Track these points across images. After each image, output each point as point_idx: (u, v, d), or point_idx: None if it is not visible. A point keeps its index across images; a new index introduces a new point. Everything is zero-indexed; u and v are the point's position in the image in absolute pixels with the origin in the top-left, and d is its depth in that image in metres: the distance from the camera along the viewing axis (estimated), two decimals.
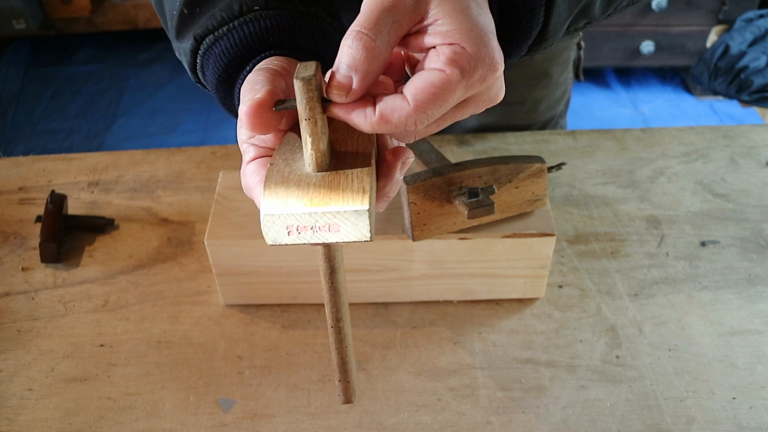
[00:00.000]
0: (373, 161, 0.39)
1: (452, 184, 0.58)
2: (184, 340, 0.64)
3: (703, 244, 0.73)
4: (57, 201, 0.73)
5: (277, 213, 0.36)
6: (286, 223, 0.36)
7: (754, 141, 0.85)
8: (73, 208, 0.77)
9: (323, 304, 0.67)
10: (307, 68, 0.36)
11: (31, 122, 2.25)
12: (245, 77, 0.45)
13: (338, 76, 0.36)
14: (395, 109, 0.36)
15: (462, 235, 0.61)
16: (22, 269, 0.71)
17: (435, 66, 0.36)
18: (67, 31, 2.45)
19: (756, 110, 2.26)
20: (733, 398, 0.59)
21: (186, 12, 0.47)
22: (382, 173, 0.40)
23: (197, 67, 0.48)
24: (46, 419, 0.58)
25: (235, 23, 0.45)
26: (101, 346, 0.64)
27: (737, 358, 0.62)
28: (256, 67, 0.41)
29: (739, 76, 2.14)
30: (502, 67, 0.38)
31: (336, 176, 0.38)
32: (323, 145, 0.37)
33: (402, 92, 0.36)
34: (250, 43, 0.45)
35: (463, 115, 0.41)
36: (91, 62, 2.53)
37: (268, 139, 0.41)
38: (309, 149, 0.38)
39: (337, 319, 0.41)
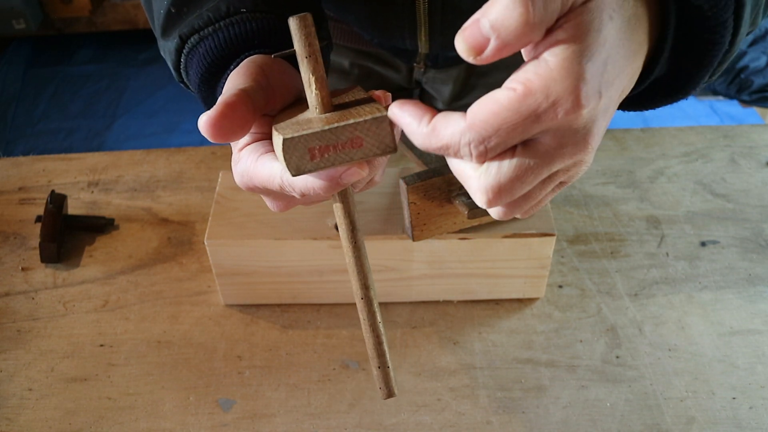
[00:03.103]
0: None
1: (452, 184, 0.58)
2: (184, 340, 0.64)
3: (703, 244, 0.73)
4: (57, 201, 0.73)
5: (297, 135, 0.35)
6: (307, 146, 0.35)
7: (754, 141, 0.85)
8: (73, 208, 0.77)
9: (323, 305, 0.67)
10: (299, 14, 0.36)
11: (31, 122, 2.25)
12: (227, 78, 0.45)
13: (474, 29, 0.30)
14: (449, 124, 0.32)
15: (462, 235, 0.61)
16: (22, 269, 0.71)
17: (508, 83, 0.31)
18: (67, 31, 2.45)
19: (756, 110, 2.26)
20: (733, 398, 0.59)
21: (173, 11, 0.48)
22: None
23: (181, 67, 0.48)
24: (46, 419, 0.58)
25: (221, 24, 0.45)
26: (101, 346, 0.64)
27: (737, 358, 0.62)
28: (236, 71, 0.41)
29: (739, 76, 2.14)
30: (589, 107, 0.31)
31: (345, 110, 0.37)
32: (327, 83, 0.36)
33: None
34: (235, 45, 0.45)
35: (548, 186, 0.36)
36: (91, 62, 2.53)
37: (258, 126, 0.41)
38: (314, 89, 0.36)
39: (366, 287, 0.38)
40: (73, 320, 0.66)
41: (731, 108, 2.29)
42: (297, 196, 0.39)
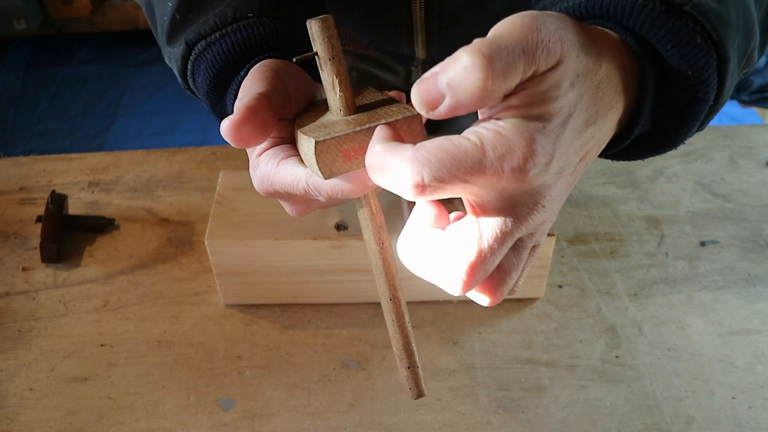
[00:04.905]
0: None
1: None
2: (184, 340, 0.64)
3: (702, 244, 0.73)
4: (57, 201, 0.73)
5: (329, 138, 0.34)
6: (340, 148, 0.34)
7: (754, 141, 0.85)
8: (74, 208, 0.77)
9: (323, 305, 0.67)
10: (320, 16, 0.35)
11: (32, 122, 2.25)
12: (238, 84, 0.44)
13: (431, 83, 0.30)
14: (401, 148, 0.30)
15: None
16: (23, 269, 0.71)
17: (467, 133, 0.30)
18: (68, 31, 2.45)
19: (755, 110, 2.26)
20: (733, 398, 0.59)
21: (178, 17, 0.47)
22: None
23: (187, 73, 0.47)
24: (46, 419, 0.58)
25: (228, 29, 0.44)
26: (101, 345, 0.64)
27: (737, 357, 0.62)
28: (250, 75, 0.41)
29: None
30: (535, 170, 0.30)
31: (371, 111, 0.36)
32: (350, 85, 0.36)
33: None
34: (243, 50, 0.44)
35: (522, 254, 0.34)
36: (91, 62, 2.53)
37: (276, 130, 0.40)
38: (338, 91, 0.36)
39: (395, 288, 0.37)
40: (74, 320, 0.66)
41: (730, 108, 2.29)
42: (323, 199, 0.38)
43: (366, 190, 0.37)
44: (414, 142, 0.34)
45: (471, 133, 0.30)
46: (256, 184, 0.41)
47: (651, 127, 0.39)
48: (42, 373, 0.62)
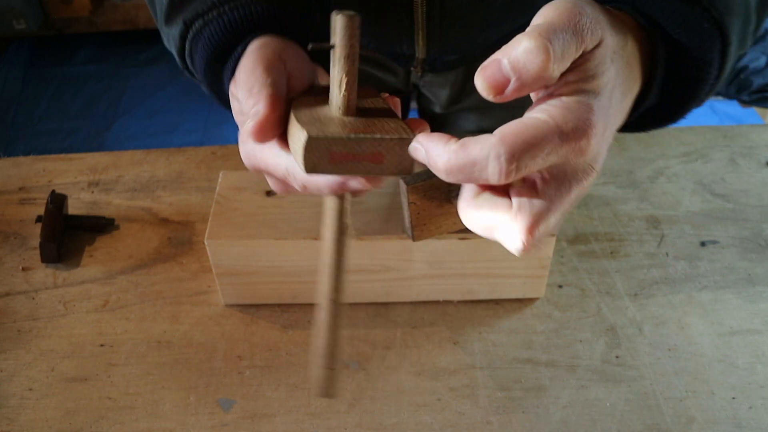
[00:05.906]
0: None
1: (452, 184, 0.58)
2: (184, 340, 0.64)
3: (702, 244, 0.73)
4: (57, 201, 0.73)
5: (322, 136, 0.34)
6: (329, 149, 0.34)
7: (754, 141, 0.85)
8: (74, 208, 0.77)
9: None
10: (347, 12, 0.35)
11: (32, 122, 2.25)
12: (234, 61, 0.45)
13: (495, 68, 0.32)
14: (479, 140, 0.32)
15: (462, 235, 0.61)
16: (23, 269, 0.71)
17: (534, 113, 0.33)
18: (67, 31, 2.45)
19: (756, 110, 2.26)
20: (733, 398, 0.59)
21: None
22: None
23: (186, 53, 0.48)
24: (46, 419, 0.58)
25: (226, 8, 0.45)
26: (101, 346, 0.64)
27: (737, 358, 0.62)
28: (252, 54, 0.41)
29: (738, 76, 2.14)
30: (596, 138, 0.33)
31: (368, 119, 0.36)
32: (356, 87, 0.36)
33: None
34: (240, 28, 0.45)
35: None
36: (91, 62, 2.53)
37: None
38: (342, 90, 0.36)
39: (338, 290, 0.38)
40: (74, 320, 0.66)
41: (730, 108, 2.29)
42: (297, 188, 0.40)
43: (339, 192, 0.38)
44: (399, 164, 0.35)
45: (539, 112, 0.32)
46: (243, 157, 0.42)
47: (657, 102, 0.42)
48: (42, 373, 0.62)
